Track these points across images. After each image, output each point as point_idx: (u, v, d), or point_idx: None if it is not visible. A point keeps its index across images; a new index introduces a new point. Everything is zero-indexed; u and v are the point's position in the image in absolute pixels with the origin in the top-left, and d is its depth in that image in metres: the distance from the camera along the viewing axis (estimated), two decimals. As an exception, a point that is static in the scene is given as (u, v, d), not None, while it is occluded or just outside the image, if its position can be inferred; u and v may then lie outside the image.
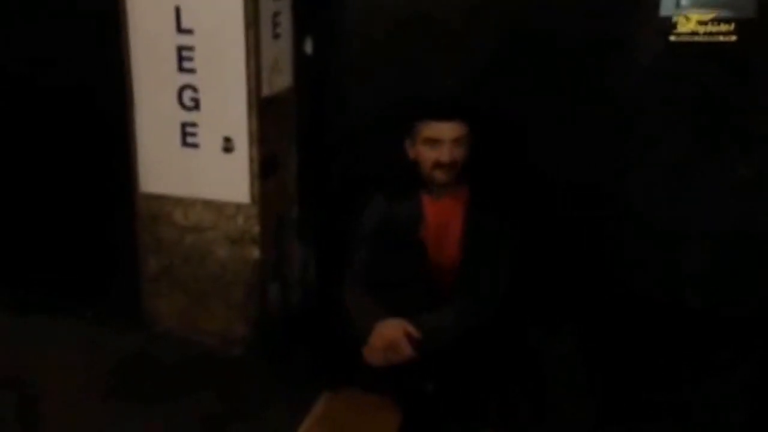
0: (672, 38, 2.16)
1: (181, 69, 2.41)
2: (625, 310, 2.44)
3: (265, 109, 2.42)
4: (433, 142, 2.18)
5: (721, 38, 2.06)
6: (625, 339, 2.41)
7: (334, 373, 2.37)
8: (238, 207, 2.51)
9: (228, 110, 2.40)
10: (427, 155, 2.20)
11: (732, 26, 2.04)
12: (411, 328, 2.08)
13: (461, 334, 2.13)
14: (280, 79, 2.52)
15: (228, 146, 2.44)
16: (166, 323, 2.71)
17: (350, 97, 2.66)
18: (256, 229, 2.51)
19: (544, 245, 2.45)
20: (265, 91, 2.42)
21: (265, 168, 2.48)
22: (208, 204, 2.54)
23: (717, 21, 2.05)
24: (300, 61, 2.60)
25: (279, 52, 2.48)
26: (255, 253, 2.54)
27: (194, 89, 2.42)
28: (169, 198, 2.57)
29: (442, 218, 2.27)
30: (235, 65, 2.35)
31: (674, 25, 2.13)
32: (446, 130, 2.16)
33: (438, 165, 2.19)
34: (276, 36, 2.45)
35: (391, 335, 2.07)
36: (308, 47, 2.60)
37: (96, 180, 2.78)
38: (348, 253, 2.42)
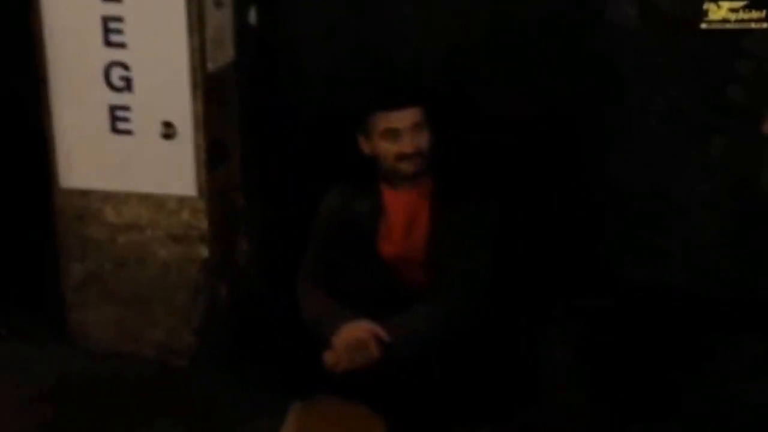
0: (703, 26, 2.10)
1: (108, 43, 2.09)
2: (611, 294, 2.34)
3: (210, 89, 2.12)
4: (392, 133, 1.98)
5: (753, 25, 2.02)
6: (614, 325, 2.31)
7: (300, 380, 2.13)
8: (182, 201, 2.21)
9: (167, 90, 2.10)
10: (387, 149, 2.01)
11: (763, 13, 1.99)
12: (379, 330, 1.88)
13: (438, 339, 1.94)
14: (222, 54, 2.22)
15: (168, 132, 2.13)
16: (97, 337, 2.38)
17: (299, 72, 2.40)
18: (203, 224, 2.23)
19: (523, 232, 2.30)
20: (210, 67, 2.12)
21: (213, 156, 2.18)
22: (146, 198, 2.23)
23: (748, 8, 2.00)
24: (242, 32, 2.30)
25: (221, 22, 2.18)
26: (202, 251, 2.25)
27: (125, 67, 2.10)
28: (96, 193, 2.25)
29: (407, 213, 2.08)
30: (175, 38, 2.04)
31: (705, 13, 2.08)
32: (403, 118, 1.97)
33: (402, 157, 1.99)
34: (218, 4, 2.15)
35: (357, 335, 1.88)
36: (252, 17, 2.32)
37: (7, 175, 2.38)
38: (302, 249, 2.20)
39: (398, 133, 1.97)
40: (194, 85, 2.09)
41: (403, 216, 2.07)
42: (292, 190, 2.53)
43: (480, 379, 1.98)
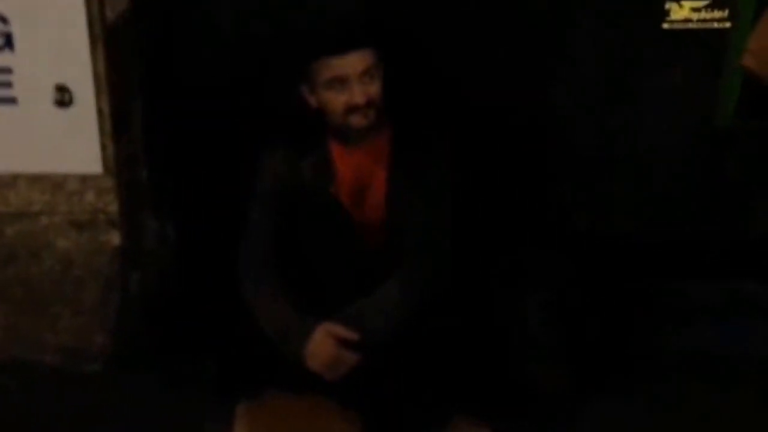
0: (665, 26, 2.08)
1: (-25, -10, 1.68)
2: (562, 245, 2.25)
3: (112, 42, 1.77)
4: (339, 82, 1.71)
5: (716, 25, 2.02)
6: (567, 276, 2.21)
7: (242, 376, 1.88)
8: (85, 180, 1.87)
9: (59, 47, 1.73)
10: (334, 100, 1.73)
11: (726, 12, 1.96)
12: (344, 332, 1.67)
13: (411, 315, 1.75)
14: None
15: (63, 98, 1.78)
16: (-16, 345, 1.99)
17: (209, 19, 2.08)
18: (113, 207, 1.90)
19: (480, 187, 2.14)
20: (110, 15, 1.76)
21: (118, 124, 1.84)
22: (37, 180, 1.87)
23: (710, 8, 1.98)
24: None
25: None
26: (114, 238, 1.93)
27: (2, 19, 1.70)
28: (-27, 177, 1.85)
29: (361, 172, 1.84)
30: (65, -19, 1.67)
31: (667, 12, 2.06)
32: (351, 63, 1.69)
33: (352, 108, 1.73)
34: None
35: (328, 357, 1.67)
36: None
37: None
38: (222, 224, 1.96)
39: (346, 81, 1.70)
40: (93, 39, 1.73)
41: (356, 176, 1.82)
42: (204, 157, 2.22)
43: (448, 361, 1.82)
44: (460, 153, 1.97)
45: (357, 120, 1.73)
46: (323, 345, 1.66)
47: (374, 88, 1.73)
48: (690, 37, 2.23)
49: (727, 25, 1.96)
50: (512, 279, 2.11)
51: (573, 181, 2.36)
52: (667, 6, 2.05)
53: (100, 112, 1.79)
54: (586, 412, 1.87)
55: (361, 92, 1.70)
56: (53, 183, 1.86)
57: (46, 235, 1.90)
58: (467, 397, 1.80)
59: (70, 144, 1.81)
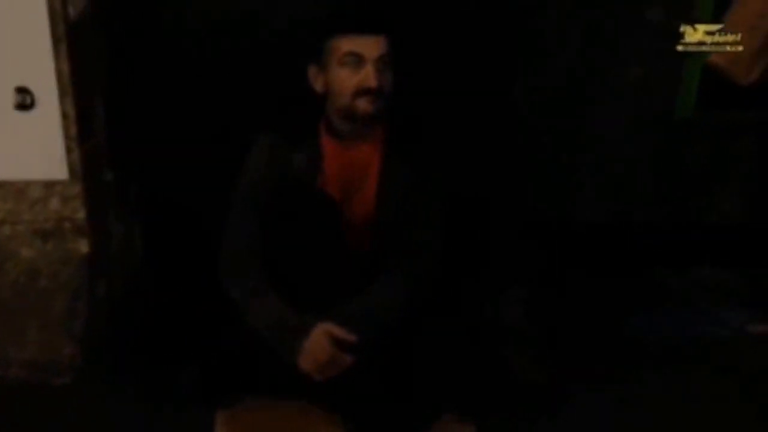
0: (679, 48, 2.09)
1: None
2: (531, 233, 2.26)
3: (75, 41, 1.69)
4: (355, 59, 1.66)
5: (728, 48, 1.99)
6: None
7: (220, 381, 1.82)
8: (49, 186, 1.77)
9: (19, 47, 1.63)
10: (347, 79, 1.67)
11: (738, 36, 1.95)
12: (342, 333, 1.62)
13: (405, 315, 1.72)
14: (78, -3, 1.78)
15: (24, 101, 1.68)
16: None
17: (173, 12, 2.01)
18: (80, 214, 1.81)
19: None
20: (72, 12, 1.68)
21: (84, 127, 1.76)
22: (-2, 187, 1.76)
23: (724, 32, 1.97)
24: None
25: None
26: (81, 246, 1.84)
27: (-44, 18, 1.60)
28: (-74, 185, 1.74)
29: (352, 168, 1.79)
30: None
31: (682, 35, 2.08)
32: (371, 44, 1.65)
33: (363, 91, 1.67)
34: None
35: (323, 357, 1.61)
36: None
37: None
38: (192, 226, 1.95)
39: (363, 60, 1.65)
40: (56, 38, 1.64)
41: (346, 173, 1.77)
42: (169, 157, 2.15)
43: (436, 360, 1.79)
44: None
45: (364, 105, 1.68)
46: (320, 345, 1.61)
47: (387, 77, 1.69)
48: (652, 33, 2.27)
49: (740, 48, 1.98)
50: (489, 274, 2.11)
51: (538, 172, 2.37)
52: (682, 29, 2.07)
53: (64, 114, 1.71)
54: (568, 404, 1.88)
55: (375, 76, 1.65)
56: (16, 190, 1.76)
57: (9, 245, 1.81)
58: (452, 395, 1.79)
59: (32, 149, 1.72)
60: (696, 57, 2.34)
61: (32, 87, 1.67)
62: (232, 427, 1.74)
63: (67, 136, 1.73)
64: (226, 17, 2.03)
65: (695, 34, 2.03)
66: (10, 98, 1.68)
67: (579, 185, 2.45)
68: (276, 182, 1.75)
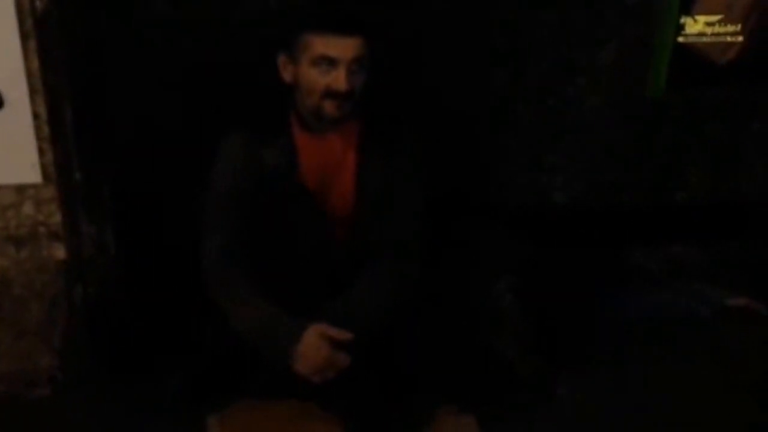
0: (680, 39, 2.13)
1: None
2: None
3: (43, 36, 1.60)
4: (328, 62, 1.61)
5: (728, 39, 2.04)
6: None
7: (205, 386, 1.78)
8: (21, 190, 1.68)
9: (-15, 43, 1.53)
10: (315, 80, 1.63)
11: (738, 27, 1.99)
12: (337, 333, 1.59)
13: (397, 309, 1.70)
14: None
15: (-8, 101, 1.58)
16: None
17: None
18: (55, 218, 1.72)
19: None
20: (39, 5, 1.58)
21: (57, 127, 1.67)
22: (-34, 193, 1.66)
23: (724, 22, 2.01)
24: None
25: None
26: (58, 252, 1.76)
27: None
28: None
29: (327, 160, 1.75)
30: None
31: (682, 26, 2.11)
32: (346, 46, 1.60)
33: (330, 94, 1.63)
34: None
35: (321, 360, 1.57)
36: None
37: None
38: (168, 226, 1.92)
39: (335, 63, 1.60)
40: (24, 33, 1.54)
41: (322, 165, 1.73)
42: (140, 155, 2.07)
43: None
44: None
45: (331, 108, 1.64)
46: (316, 348, 1.57)
47: (359, 79, 1.65)
48: (624, 15, 2.28)
49: (740, 39, 2.01)
50: (475, 264, 2.09)
51: (512, 158, 2.37)
52: (682, 20, 2.09)
53: (35, 114, 1.61)
54: (565, 391, 1.89)
55: (346, 79, 1.61)
56: (-16, 197, 1.67)
57: (-20, 253, 1.71)
58: (450, 387, 1.78)
59: (2, 152, 1.62)
60: (665, 38, 2.35)
61: (1, 87, 1.57)
62: (226, 429, 1.70)
63: (39, 137, 1.63)
64: (197, 15, 1.96)
65: (695, 25, 2.05)
66: (-23, 99, 1.57)
67: (552, 169, 2.46)
68: (254, 179, 1.70)
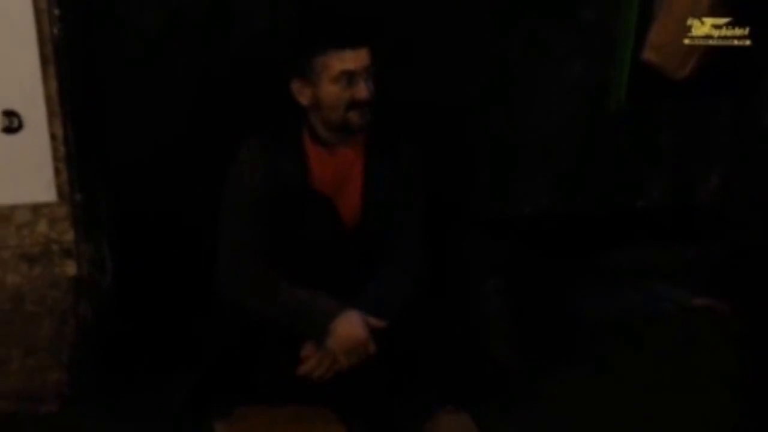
0: (686, 41, 2.10)
1: None
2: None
3: (61, 58, 1.65)
4: (348, 76, 1.68)
5: (736, 42, 2.02)
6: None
7: (210, 394, 1.82)
8: (36, 209, 1.72)
9: (6, 68, 1.58)
10: (339, 95, 1.69)
11: (746, 30, 2.00)
12: (374, 321, 1.67)
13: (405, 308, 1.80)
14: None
15: (11, 124, 1.63)
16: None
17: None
18: (68, 236, 1.77)
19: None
20: (56, 32, 1.64)
21: (72, 148, 1.72)
22: (-18, 213, 1.69)
23: (731, 25, 2.02)
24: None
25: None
26: (70, 269, 1.80)
27: (-61, 41, 1.54)
28: None
29: (337, 174, 1.82)
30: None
31: (689, 29, 2.08)
32: (359, 58, 1.67)
33: (355, 104, 1.70)
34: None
35: (356, 336, 1.64)
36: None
37: None
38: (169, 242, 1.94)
39: (354, 75, 1.67)
40: (44, 57, 1.60)
41: (332, 178, 1.80)
42: (138, 174, 2.12)
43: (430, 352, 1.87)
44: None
45: (356, 118, 1.71)
46: (357, 328, 1.63)
47: (373, 85, 1.71)
48: (586, 33, 2.43)
49: (747, 42, 2.00)
50: (465, 268, 2.21)
51: (484, 167, 2.48)
52: (689, 22, 2.10)
53: (52, 135, 1.66)
54: (550, 386, 2.01)
55: (366, 88, 1.68)
56: (1, 216, 1.70)
57: (-7, 271, 1.74)
58: (448, 386, 1.87)
59: (20, 173, 1.66)
60: (624, 54, 2.50)
61: (19, 109, 1.62)
62: (234, 433, 1.75)
63: (55, 158, 1.68)
64: (199, 31, 2.02)
65: (702, 28, 2.05)
66: (-5, 121, 1.61)
67: (519, 179, 2.58)
68: (271, 182, 1.75)
